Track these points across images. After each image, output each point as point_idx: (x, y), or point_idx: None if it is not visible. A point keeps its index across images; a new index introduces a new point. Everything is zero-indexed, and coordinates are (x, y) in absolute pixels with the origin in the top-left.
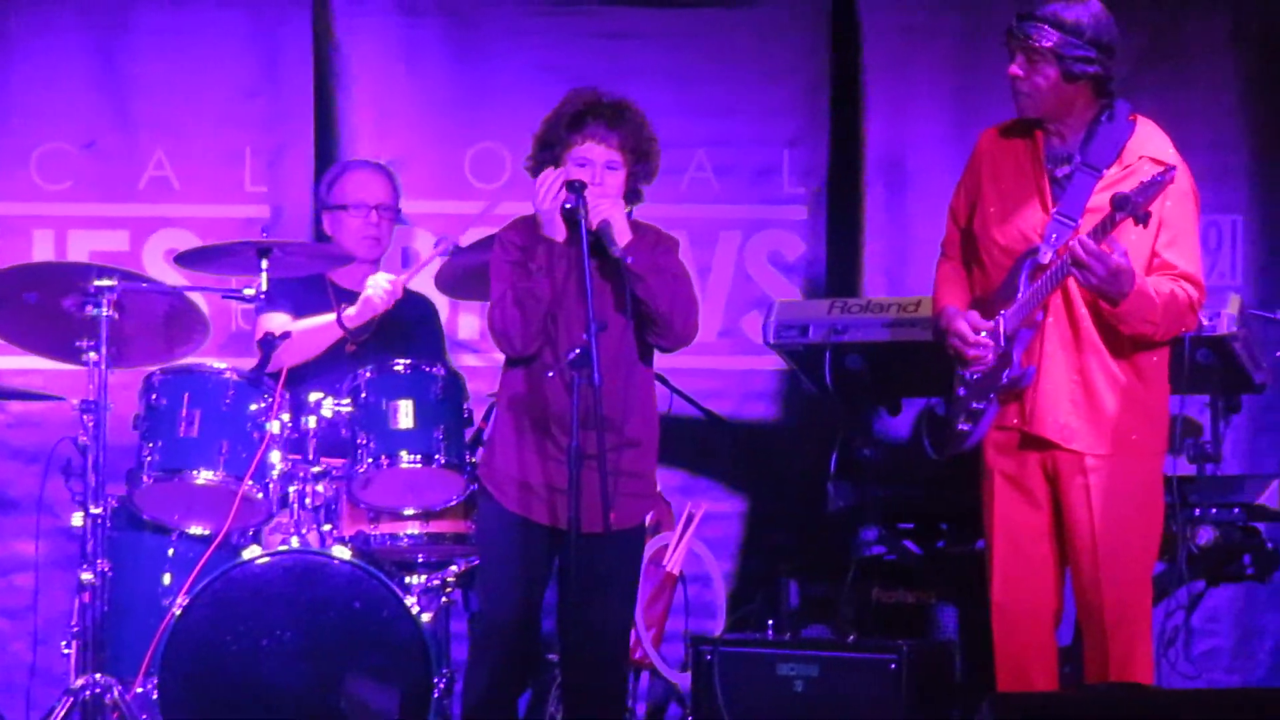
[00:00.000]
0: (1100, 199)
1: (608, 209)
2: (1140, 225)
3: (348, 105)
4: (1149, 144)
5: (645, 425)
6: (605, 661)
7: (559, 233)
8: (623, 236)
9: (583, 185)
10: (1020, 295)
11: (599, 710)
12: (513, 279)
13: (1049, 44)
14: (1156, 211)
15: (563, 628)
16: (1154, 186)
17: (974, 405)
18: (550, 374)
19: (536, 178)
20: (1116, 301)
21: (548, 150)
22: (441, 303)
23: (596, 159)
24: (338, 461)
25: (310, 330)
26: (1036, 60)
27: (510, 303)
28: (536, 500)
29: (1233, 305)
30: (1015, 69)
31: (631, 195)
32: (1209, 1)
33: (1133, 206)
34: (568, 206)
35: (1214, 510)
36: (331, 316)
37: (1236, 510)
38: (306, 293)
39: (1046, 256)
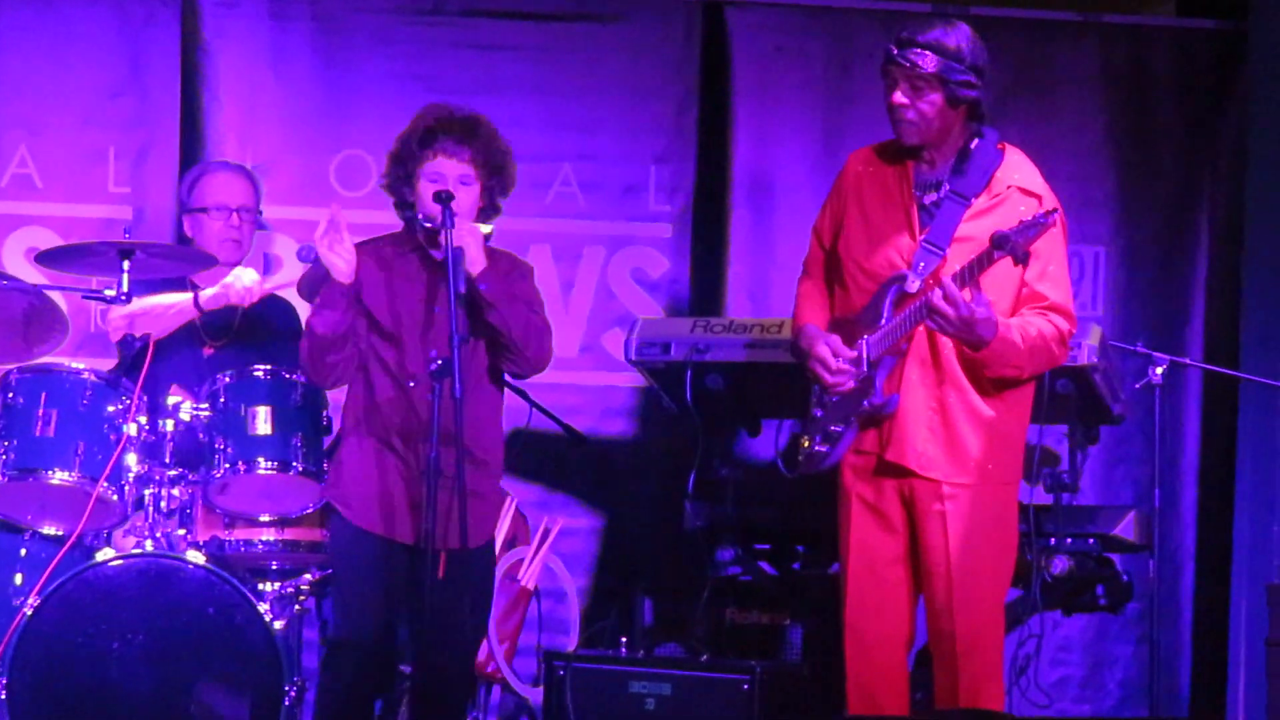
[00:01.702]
0: (968, 228)
1: (462, 236)
2: (1019, 265)
3: (214, 108)
4: (1018, 173)
5: (491, 446)
6: (455, 675)
7: (347, 276)
8: (475, 265)
9: (449, 196)
10: (884, 321)
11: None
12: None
13: (933, 69)
14: None
15: (415, 641)
16: (1035, 227)
17: (832, 428)
18: (412, 384)
19: (391, 195)
20: (977, 348)
21: (400, 166)
22: (303, 309)
23: (449, 174)
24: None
25: (166, 304)
26: (921, 86)
27: (306, 334)
28: (389, 515)
29: (1093, 336)
30: (900, 96)
31: (489, 209)
32: (1076, 33)
33: (1012, 246)
34: (427, 225)
35: (1069, 540)
36: (189, 296)
37: (1092, 540)
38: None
39: (914, 285)
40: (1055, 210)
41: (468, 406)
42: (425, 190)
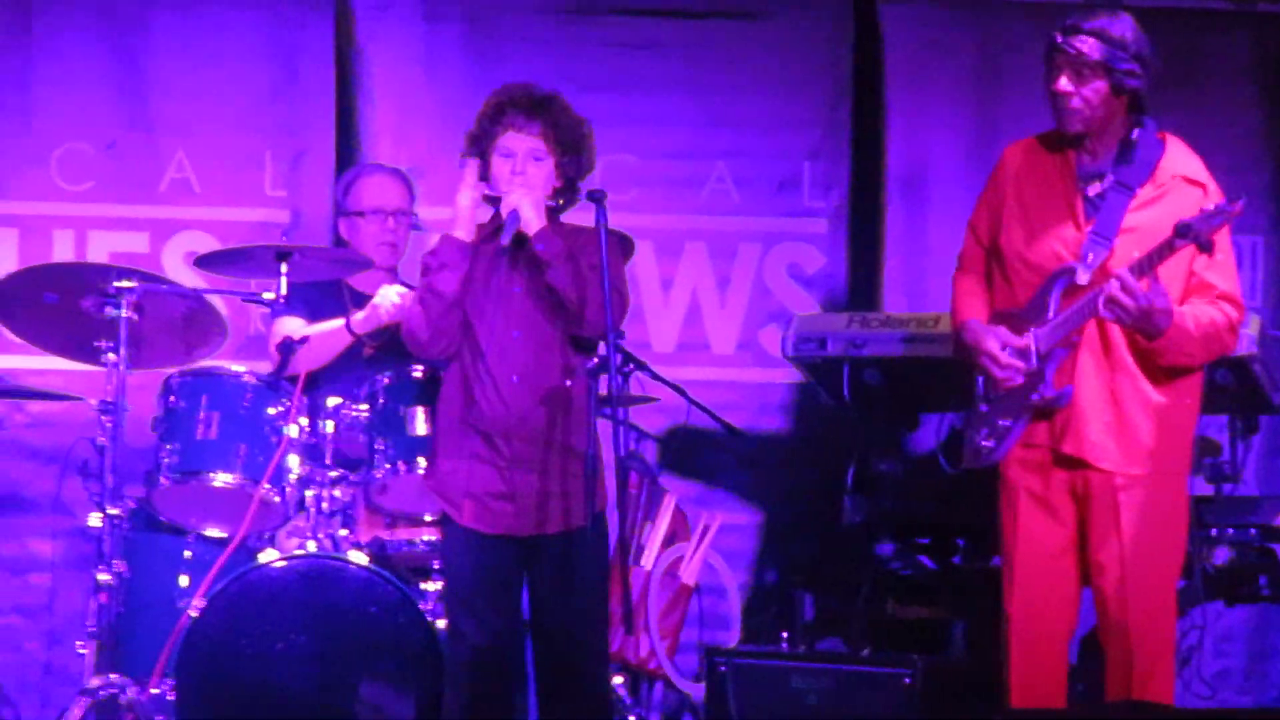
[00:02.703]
0: (1135, 218)
1: (518, 199)
2: (1204, 253)
3: (368, 111)
4: (1181, 163)
5: (577, 429)
6: (578, 655)
7: (467, 233)
8: (530, 226)
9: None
10: (1052, 314)
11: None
12: (423, 279)
13: (1099, 56)
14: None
15: (536, 629)
16: (1219, 215)
17: (1000, 422)
18: (515, 379)
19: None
20: (1153, 338)
21: (475, 144)
22: None
23: (519, 149)
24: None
25: (323, 335)
26: (1086, 74)
27: (415, 300)
28: (489, 510)
29: (1253, 326)
30: (1064, 84)
31: (566, 189)
32: (1229, 23)
33: (1195, 234)
34: (488, 195)
35: (1230, 530)
36: (341, 322)
37: (1253, 531)
38: (323, 297)
39: (1084, 277)
40: (1241, 199)
41: (545, 390)
42: (498, 166)
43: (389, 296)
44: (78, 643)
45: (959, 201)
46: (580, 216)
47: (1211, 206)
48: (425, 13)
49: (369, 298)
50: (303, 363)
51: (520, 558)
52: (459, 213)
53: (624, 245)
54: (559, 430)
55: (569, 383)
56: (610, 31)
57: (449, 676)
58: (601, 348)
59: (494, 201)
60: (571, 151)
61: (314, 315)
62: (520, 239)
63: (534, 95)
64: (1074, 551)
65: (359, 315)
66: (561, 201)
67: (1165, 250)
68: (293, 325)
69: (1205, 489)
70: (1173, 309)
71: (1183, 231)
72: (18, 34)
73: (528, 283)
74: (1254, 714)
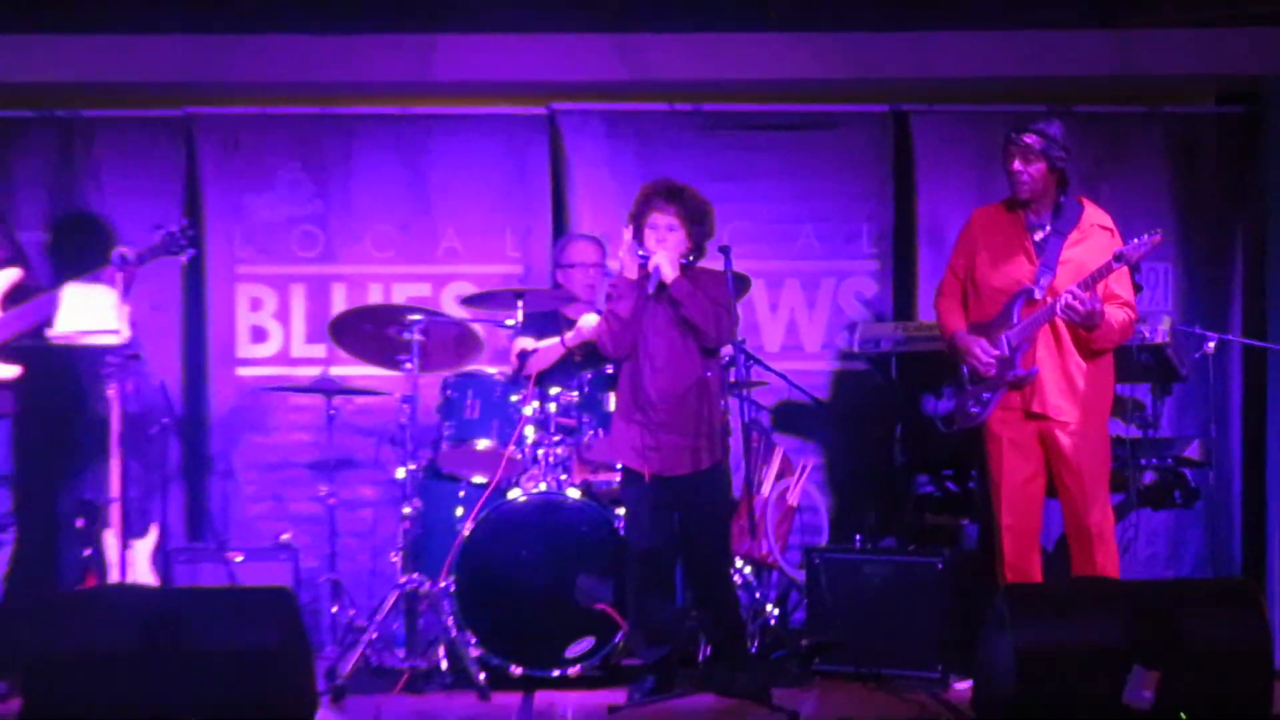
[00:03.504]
0: (1068, 254)
1: (659, 259)
2: (1135, 272)
3: (572, 197)
4: (1097, 217)
5: (699, 402)
6: (709, 555)
7: (631, 273)
8: (668, 276)
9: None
10: (1016, 320)
11: (716, 604)
12: (607, 306)
13: (1040, 147)
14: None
15: (683, 540)
16: (1145, 245)
17: (984, 395)
18: (663, 373)
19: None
20: (1091, 330)
21: (634, 220)
22: None
23: (660, 223)
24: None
25: (547, 348)
26: (1031, 159)
27: (602, 322)
28: (648, 460)
29: (1165, 324)
30: (1017, 165)
31: (695, 249)
32: (1145, 120)
33: (1127, 258)
34: (640, 254)
35: (1154, 460)
36: (558, 339)
37: (1170, 460)
38: (545, 323)
39: (1039, 294)
40: (1159, 231)
41: (682, 380)
42: (648, 236)
43: (589, 321)
44: (391, 554)
45: None
46: (711, 263)
47: (1141, 240)
48: (608, 132)
49: (575, 323)
50: (533, 367)
51: (670, 490)
52: (625, 263)
53: (742, 282)
54: (695, 405)
55: (709, 374)
56: (733, 138)
57: (627, 568)
58: (729, 351)
59: (645, 257)
60: (697, 223)
61: (540, 335)
62: (661, 286)
63: (671, 186)
64: (1040, 477)
65: (569, 334)
66: (692, 258)
67: (1105, 271)
68: (525, 342)
69: (1135, 433)
70: (1104, 311)
71: (1119, 257)
72: (342, 157)
73: (669, 313)
74: (1175, 583)
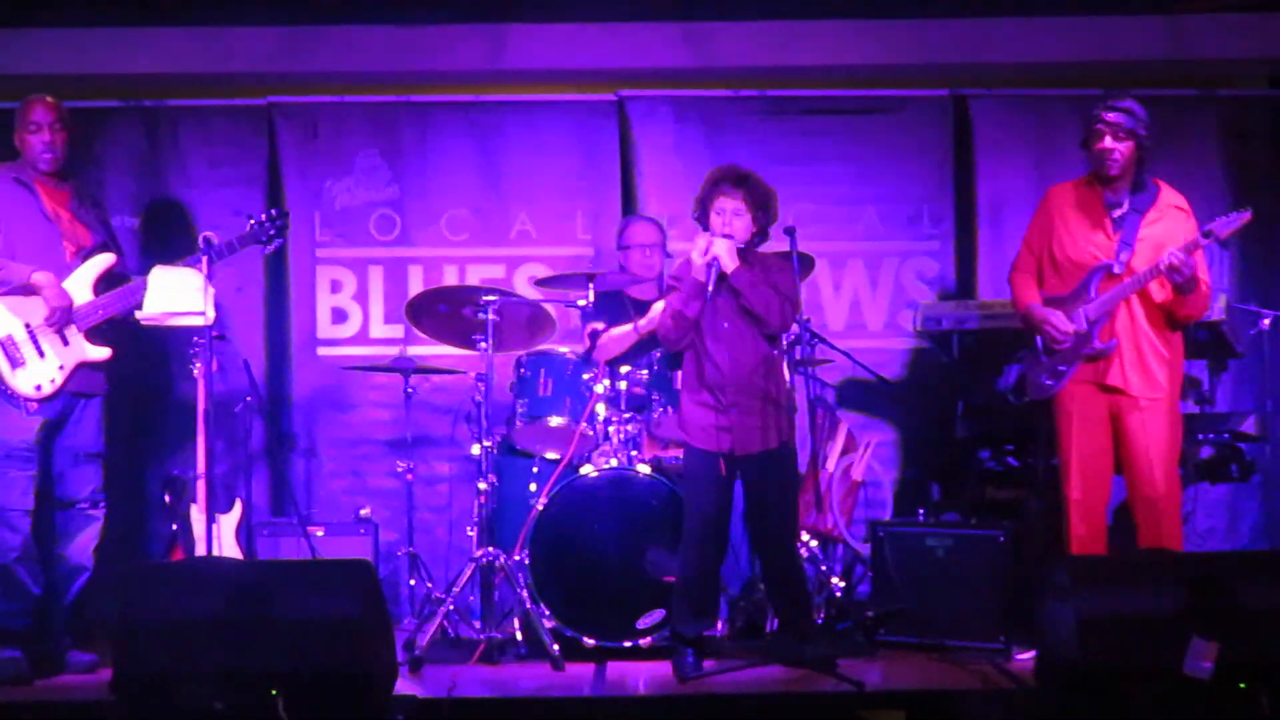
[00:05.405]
0: (1146, 232)
1: (719, 249)
2: (1223, 248)
3: (641, 181)
4: (1173, 197)
5: (766, 382)
6: (777, 530)
7: (701, 275)
8: (728, 266)
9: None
10: (1093, 295)
11: (783, 577)
12: (671, 301)
13: (1130, 126)
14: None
15: (751, 514)
16: (1234, 222)
17: (1060, 368)
18: (725, 355)
19: (699, 224)
20: (1188, 292)
21: (700, 205)
22: None
23: (727, 208)
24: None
25: (621, 335)
26: (1122, 136)
27: (669, 316)
28: (712, 437)
29: (1222, 302)
30: (1109, 143)
31: (759, 233)
32: (1199, 104)
33: (1215, 235)
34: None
35: (1211, 435)
36: (629, 326)
37: (1226, 435)
38: (612, 303)
39: (1118, 269)
40: (1249, 210)
41: (747, 361)
42: (714, 220)
43: (659, 309)
44: (468, 528)
45: (1024, 225)
46: (777, 244)
47: (1226, 217)
48: (675, 116)
49: (639, 301)
50: (604, 353)
51: (732, 466)
52: (695, 267)
53: (807, 263)
54: (763, 384)
55: (776, 352)
56: (797, 123)
57: (686, 535)
58: (794, 330)
59: (714, 262)
60: (762, 209)
61: (607, 315)
62: (722, 276)
63: (738, 172)
64: (1109, 452)
65: (642, 321)
66: (757, 241)
67: (1195, 245)
68: (595, 323)
69: (1193, 409)
70: (1201, 276)
71: (1207, 233)
72: (417, 143)
73: (730, 300)
74: (1233, 554)
